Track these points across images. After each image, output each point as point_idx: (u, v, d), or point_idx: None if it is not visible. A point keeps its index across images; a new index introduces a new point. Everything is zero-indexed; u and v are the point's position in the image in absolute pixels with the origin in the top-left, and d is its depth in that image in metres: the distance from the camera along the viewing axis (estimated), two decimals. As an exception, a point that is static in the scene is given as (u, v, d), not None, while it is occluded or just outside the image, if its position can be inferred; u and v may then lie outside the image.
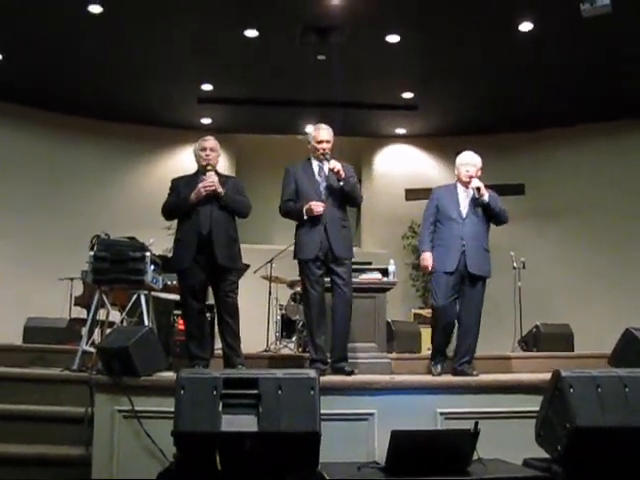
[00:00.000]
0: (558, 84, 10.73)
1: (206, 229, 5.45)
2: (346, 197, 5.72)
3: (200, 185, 5.48)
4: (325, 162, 5.65)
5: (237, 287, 5.62)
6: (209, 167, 5.58)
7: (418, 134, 13.42)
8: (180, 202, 5.56)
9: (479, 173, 5.97)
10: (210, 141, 5.72)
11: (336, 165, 5.55)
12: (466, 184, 5.91)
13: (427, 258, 5.89)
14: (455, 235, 5.79)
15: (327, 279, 5.68)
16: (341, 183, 5.60)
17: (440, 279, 5.83)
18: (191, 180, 5.67)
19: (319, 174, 5.73)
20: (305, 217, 5.57)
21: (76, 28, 9.20)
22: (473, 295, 5.78)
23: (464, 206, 5.88)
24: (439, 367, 5.77)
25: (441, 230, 5.92)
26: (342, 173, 5.57)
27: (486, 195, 5.80)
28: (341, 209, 5.72)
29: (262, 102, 11.78)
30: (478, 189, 5.79)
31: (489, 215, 5.90)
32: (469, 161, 5.97)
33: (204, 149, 5.67)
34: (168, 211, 5.74)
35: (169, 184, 5.83)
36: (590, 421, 3.50)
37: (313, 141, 5.75)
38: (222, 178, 5.66)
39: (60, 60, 10.17)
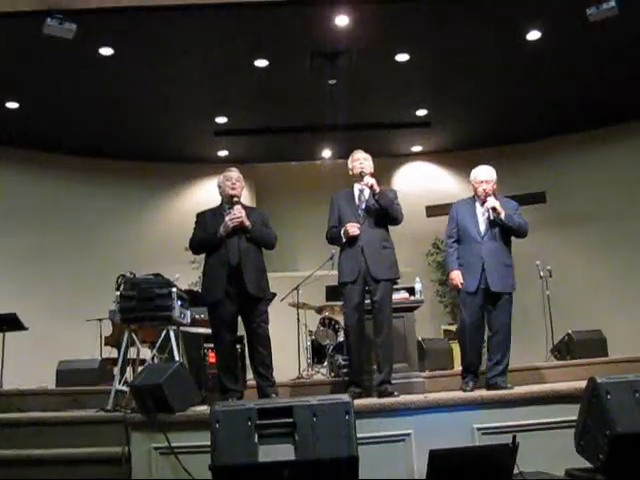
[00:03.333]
0: (573, 89, 10.70)
1: (235, 260, 5.49)
2: (385, 215, 5.75)
3: (227, 218, 5.53)
4: (363, 184, 5.73)
5: (268, 316, 5.65)
6: (235, 198, 5.63)
7: (434, 150, 13.41)
8: (209, 236, 5.61)
9: (494, 187, 5.93)
10: (236, 172, 5.81)
11: (369, 180, 5.67)
12: (483, 201, 5.88)
13: (455, 277, 5.86)
14: (475, 254, 5.77)
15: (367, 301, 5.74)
16: (376, 197, 5.66)
17: (465, 298, 5.84)
18: (216, 213, 5.74)
19: (359, 198, 5.84)
20: (344, 240, 5.67)
21: (89, 72, 9.35)
22: (499, 312, 5.73)
23: (482, 223, 5.85)
24: (470, 383, 5.72)
25: (461, 249, 5.92)
26: (376, 187, 5.65)
27: (502, 214, 5.74)
28: (381, 230, 5.78)
29: (277, 130, 11.84)
30: (494, 209, 5.76)
31: (507, 231, 5.85)
32: (485, 177, 5.92)
33: (230, 179, 5.73)
34: (197, 245, 5.80)
35: (190, 218, 5.90)
36: (630, 427, 3.45)
37: (350, 162, 5.91)
38: (247, 210, 5.69)
39: (75, 104, 10.32)
